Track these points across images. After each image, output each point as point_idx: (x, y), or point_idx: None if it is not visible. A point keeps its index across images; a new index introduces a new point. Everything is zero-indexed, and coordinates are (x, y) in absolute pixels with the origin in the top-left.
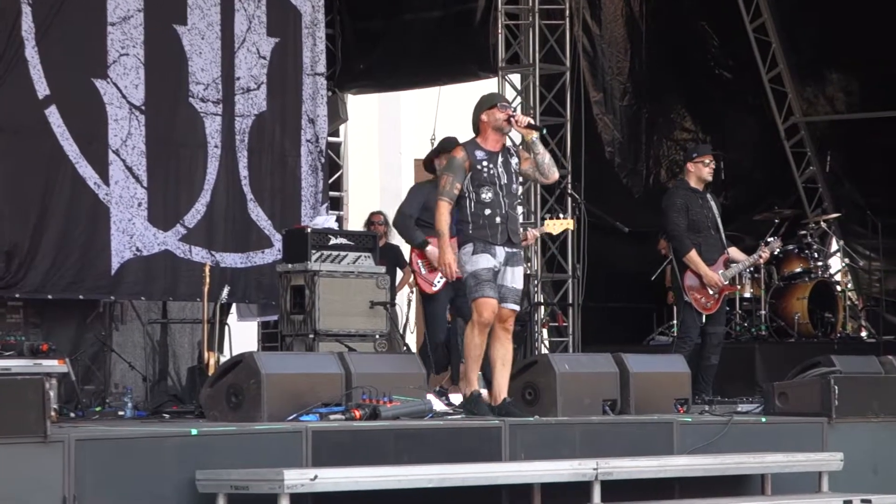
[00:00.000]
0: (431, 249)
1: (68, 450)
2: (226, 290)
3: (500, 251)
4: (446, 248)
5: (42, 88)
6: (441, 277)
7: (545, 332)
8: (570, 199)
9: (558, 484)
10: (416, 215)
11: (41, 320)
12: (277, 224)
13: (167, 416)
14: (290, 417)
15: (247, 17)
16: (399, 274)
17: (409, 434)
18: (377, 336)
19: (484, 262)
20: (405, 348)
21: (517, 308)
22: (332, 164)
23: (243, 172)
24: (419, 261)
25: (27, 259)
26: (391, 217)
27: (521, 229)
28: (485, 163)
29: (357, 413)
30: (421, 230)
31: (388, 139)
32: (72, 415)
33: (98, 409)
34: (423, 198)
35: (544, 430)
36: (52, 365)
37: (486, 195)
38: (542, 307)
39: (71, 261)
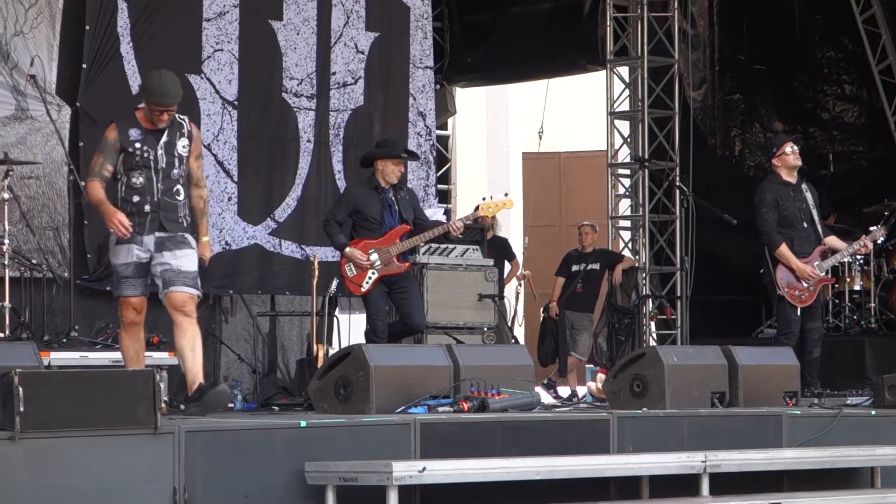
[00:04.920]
0: (350, 251)
1: (178, 441)
2: (335, 283)
3: (149, 238)
4: (107, 208)
5: (136, 84)
6: (370, 277)
7: (653, 324)
8: (677, 191)
9: (666, 476)
10: (342, 220)
11: (147, 313)
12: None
13: (276, 408)
14: (399, 410)
15: (344, 12)
16: (507, 266)
17: (517, 426)
18: (485, 328)
19: (123, 255)
20: (513, 340)
21: (191, 291)
22: (440, 157)
23: (337, 167)
24: (346, 265)
25: None
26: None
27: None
28: (138, 144)
29: (465, 405)
30: (357, 231)
31: (495, 132)
32: (181, 406)
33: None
34: (354, 200)
35: (653, 422)
36: (163, 357)
37: (137, 179)
38: (651, 300)
39: None
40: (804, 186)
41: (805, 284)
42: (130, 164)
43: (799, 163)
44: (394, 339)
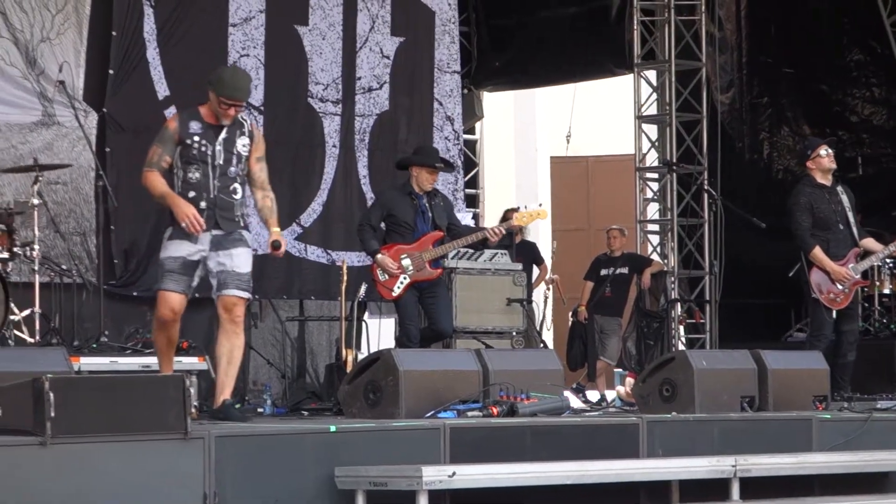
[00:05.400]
0: (381, 258)
1: (209, 446)
2: (363, 288)
3: (205, 236)
4: (178, 202)
5: (162, 89)
6: (402, 282)
7: (682, 328)
8: (706, 195)
9: (696, 481)
10: (376, 224)
11: None
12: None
13: (305, 413)
14: (428, 414)
15: (370, 17)
16: (535, 270)
17: (547, 431)
18: (514, 333)
19: (173, 249)
20: (542, 345)
21: (243, 294)
22: (468, 161)
23: (363, 172)
24: (378, 269)
25: (145, 258)
26: None
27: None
28: (197, 137)
29: (494, 410)
30: (390, 235)
31: (523, 136)
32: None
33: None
34: (388, 205)
35: (682, 426)
36: (192, 362)
37: (194, 174)
38: (679, 304)
39: None
40: (840, 189)
41: (840, 287)
42: (187, 158)
43: (833, 166)
44: (423, 345)
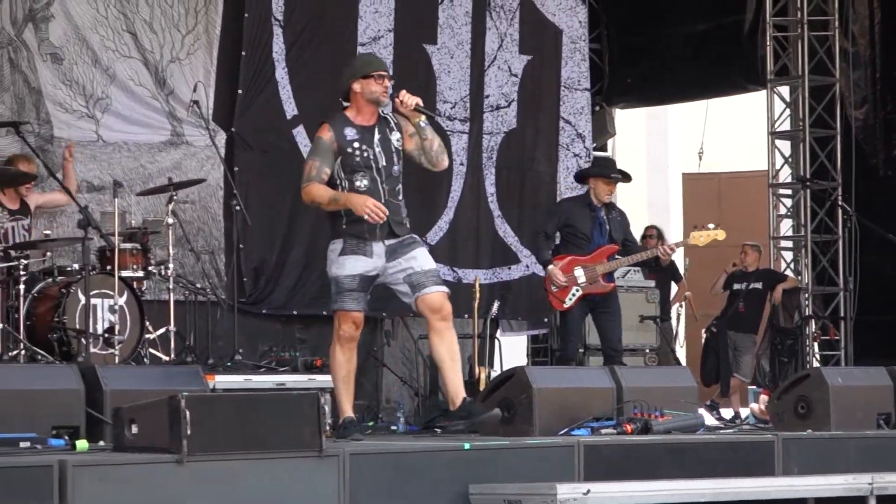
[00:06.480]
0: (551, 270)
1: (343, 464)
2: (496, 306)
3: (379, 247)
4: (351, 197)
5: (291, 109)
6: (574, 293)
7: (816, 345)
8: (840, 211)
9: (833, 499)
10: (551, 233)
11: (308, 336)
12: (526, 240)
13: (439, 430)
14: (562, 431)
15: (498, 36)
16: (674, 288)
17: (681, 448)
18: (647, 350)
19: (350, 266)
20: (676, 362)
21: (444, 289)
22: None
23: (490, 189)
24: (548, 278)
25: (274, 276)
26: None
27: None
28: (356, 143)
29: (628, 427)
30: (565, 245)
31: (655, 153)
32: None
33: (370, 423)
34: (565, 215)
35: (818, 444)
36: (326, 380)
37: (361, 182)
38: (814, 320)
39: (315, 277)
40: None
41: None
42: (351, 167)
43: None
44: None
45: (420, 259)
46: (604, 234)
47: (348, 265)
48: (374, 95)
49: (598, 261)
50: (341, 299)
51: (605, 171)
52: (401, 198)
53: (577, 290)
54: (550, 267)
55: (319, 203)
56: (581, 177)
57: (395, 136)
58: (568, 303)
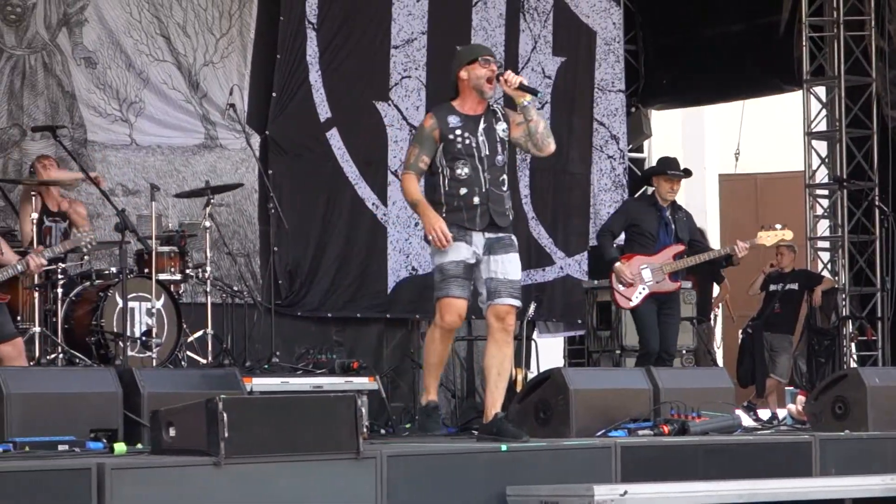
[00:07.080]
0: (618, 267)
1: (380, 466)
2: (532, 307)
3: (479, 238)
4: (427, 213)
5: (324, 112)
6: (640, 292)
7: (853, 346)
8: (877, 211)
9: (870, 500)
10: (617, 232)
11: (344, 338)
12: (560, 242)
13: (475, 431)
14: (599, 433)
15: (532, 38)
16: (716, 289)
17: (718, 449)
18: (684, 351)
19: (453, 253)
20: (713, 363)
21: (516, 303)
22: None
23: (524, 192)
24: (613, 277)
25: (308, 278)
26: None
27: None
28: (458, 131)
29: (665, 428)
30: (631, 244)
31: (692, 154)
32: (382, 431)
33: (408, 425)
34: (631, 214)
35: (855, 444)
36: (363, 382)
37: (462, 170)
38: (851, 321)
39: (348, 280)
40: None
41: None
42: (452, 154)
43: None
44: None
45: (507, 267)
46: (670, 233)
47: (451, 252)
48: (481, 80)
49: (665, 260)
50: (446, 286)
51: (663, 167)
52: (505, 188)
53: (644, 289)
54: (617, 265)
55: (405, 196)
56: (645, 175)
57: (500, 126)
58: (635, 301)
